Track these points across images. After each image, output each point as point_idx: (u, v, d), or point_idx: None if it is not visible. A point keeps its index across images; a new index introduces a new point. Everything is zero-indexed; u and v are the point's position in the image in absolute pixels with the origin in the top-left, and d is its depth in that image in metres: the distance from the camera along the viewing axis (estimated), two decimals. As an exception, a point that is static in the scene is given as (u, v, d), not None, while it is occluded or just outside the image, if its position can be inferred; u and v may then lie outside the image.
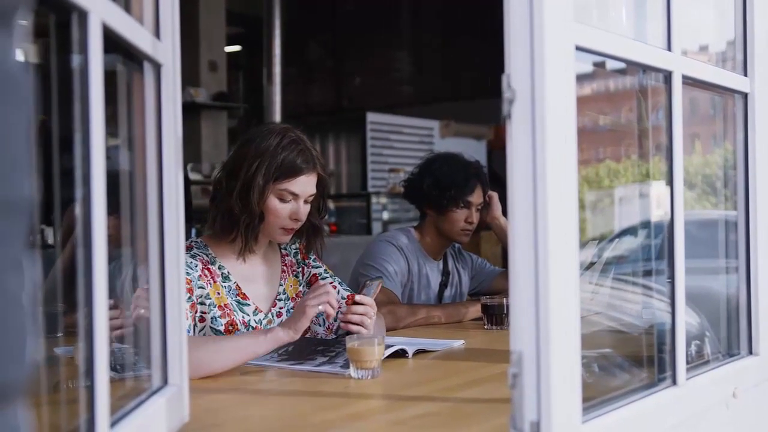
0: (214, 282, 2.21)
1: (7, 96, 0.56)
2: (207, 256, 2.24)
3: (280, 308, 2.34)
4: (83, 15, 1.00)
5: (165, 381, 1.38)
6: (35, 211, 0.59)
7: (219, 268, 2.24)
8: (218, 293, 2.20)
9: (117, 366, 1.38)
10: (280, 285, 2.37)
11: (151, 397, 1.32)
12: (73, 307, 1.09)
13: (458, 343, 2.37)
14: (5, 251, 0.55)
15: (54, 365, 1.43)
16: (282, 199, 2.21)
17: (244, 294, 2.26)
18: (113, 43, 1.12)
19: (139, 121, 1.36)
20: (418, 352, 2.20)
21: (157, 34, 1.36)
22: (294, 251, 2.44)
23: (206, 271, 2.20)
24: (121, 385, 1.39)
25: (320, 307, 1.99)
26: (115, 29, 1.11)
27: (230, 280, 2.25)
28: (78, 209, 1.04)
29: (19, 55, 0.58)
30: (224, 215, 2.22)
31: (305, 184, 2.23)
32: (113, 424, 1.10)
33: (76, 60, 1.02)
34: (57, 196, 1.07)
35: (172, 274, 1.39)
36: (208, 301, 2.17)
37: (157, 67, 1.36)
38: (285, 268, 2.40)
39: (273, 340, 1.99)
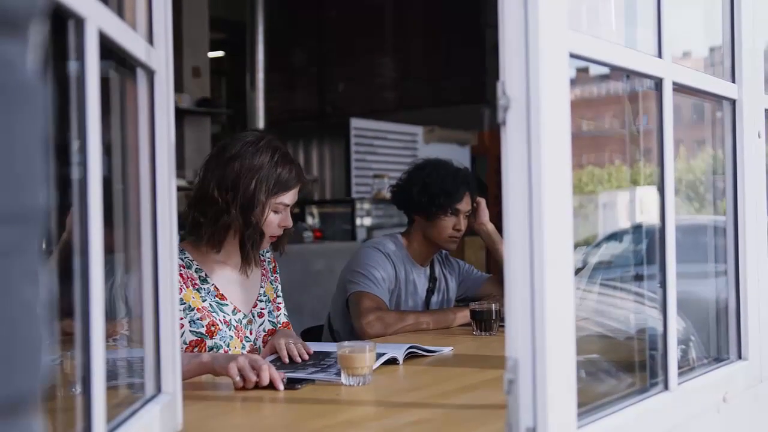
0: (187, 287, 2.25)
1: (22, 105, 0.56)
2: (183, 260, 2.28)
3: (261, 309, 2.41)
4: (80, 22, 1.00)
5: (158, 389, 1.38)
6: (45, 220, 0.59)
7: (196, 272, 2.29)
8: (193, 297, 2.24)
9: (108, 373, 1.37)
10: (261, 287, 2.44)
11: (145, 406, 1.31)
12: (63, 314, 1.09)
13: (447, 350, 2.38)
14: (20, 261, 0.55)
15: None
16: (276, 211, 2.30)
17: (223, 295, 2.31)
18: (107, 49, 1.12)
19: (132, 127, 1.36)
20: (410, 356, 2.20)
21: (150, 40, 1.35)
22: (268, 260, 2.52)
23: (179, 277, 2.21)
24: (114, 393, 1.39)
25: (237, 379, 1.85)
26: (111, 36, 1.10)
27: (208, 283, 2.29)
28: (72, 216, 1.03)
29: (33, 64, 0.58)
30: (222, 230, 2.26)
31: (295, 194, 2.34)
32: (109, 433, 1.10)
33: (72, 66, 1.02)
34: (53, 204, 1.07)
35: (165, 281, 1.39)
36: (183, 306, 2.20)
37: (150, 73, 1.35)
38: (264, 272, 2.48)
39: (198, 367, 1.97)
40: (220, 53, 10.19)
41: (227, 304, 2.31)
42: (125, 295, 1.52)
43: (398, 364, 2.14)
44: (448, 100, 9.36)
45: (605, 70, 1.59)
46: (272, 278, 2.51)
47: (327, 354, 2.21)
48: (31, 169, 0.56)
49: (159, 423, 1.32)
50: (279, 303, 2.52)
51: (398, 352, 2.17)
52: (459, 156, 7.84)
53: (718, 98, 1.86)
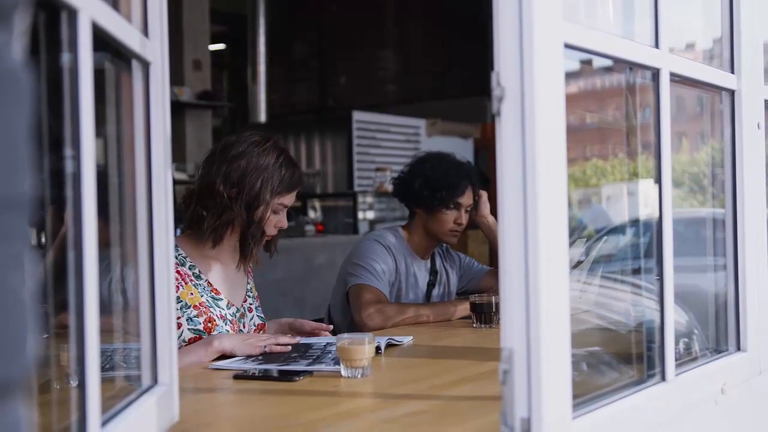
0: (186, 283, 2.28)
1: (8, 94, 0.56)
2: (176, 257, 2.29)
3: (250, 304, 2.47)
4: (73, 13, 1.00)
5: (155, 380, 1.38)
6: (31, 208, 0.60)
7: (189, 268, 2.32)
8: (191, 294, 2.28)
9: (105, 365, 1.37)
10: (248, 283, 2.49)
11: (141, 397, 1.31)
12: (60, 308, 1.09)
13: (407, 339, 2.41)
14: (7, 248, 0.55)
15: (41, 366, 1.42)
16: (275, 212, 2.35)
17: (216, 289, 2.35)
18: (101, 41, 1.12)
19: (128, 120, 1.36)
20: (388, 346, 2.25)
21: (145, 32, 1.35)
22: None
23: (176, 274, 2.23)
24: (110, 384, 1.39)
25: (266, 348, 2.14)
26: (105, 27, 1.10)
27: (202, 279, 2.33)
28: (66, 209, 1.04)
29: (19, 53, 0.58)
30: (224, 225, 2.30)
31: (294, 197, 2.40)
32: (104, 423, 1.10)
33: (65, 58, 1.02)
34: (45, 197, 1.07)
35: (161, 274, 1.39)
36: (179, 304, 2.23)
37: (145, 65, 1.35)
38: (250, 269, 2.52)
39: (214, 352, 2.12)
40: (221, 46, 10.18)
41: (221, 299, 2.35)
42: (125, 289, 1.52)
43: (380, 353, 2.16)
44: (450, 92, 9.36)
45: (609, 62, 1.59)
46: (252, 276, 2.57)
47: (309, 346, 2.22)
48: (16, 157, 0.57)
49: (155, 414, 1.32)
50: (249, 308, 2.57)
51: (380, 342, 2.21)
52: (462, 149, 7.85)
53: (717, 89, 1.85)
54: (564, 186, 1.23)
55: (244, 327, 2.39)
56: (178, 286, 2.23)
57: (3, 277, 0.55)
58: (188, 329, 2.24)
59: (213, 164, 2.31)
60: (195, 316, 2.25)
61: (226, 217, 2.28)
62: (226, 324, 2.30)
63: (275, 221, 2.36)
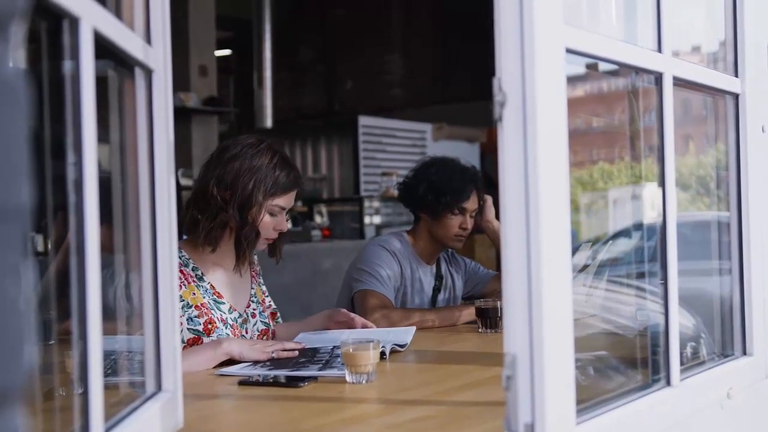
0: (189, 283, 2.29)
1: (4, 103, 0.56)
2: (180, 258, 2.30)
3: (254, 309, 2.47)
4: (74, 21, 1.00)
5: (159, 387, 1.38)
6: (30, 217, 0.60)
7: (193, 270, 2.33)
8: (193, 294, 2.29)
9: (109, 371, 1.38)
10: (252, 288, 2.49)
11: (145, 403, 1.31)
12: (65, 315, 1.09)
13: (411, 330, 2.45)
14: (3, 257, 0.55)
15: (46, 373, 1.43)
16: (271, 214, 2.34)
17: (219, 293, 2.35)
18: (104, 48, 1.12)
19: (131, 127, 1.36)
20: (393, 352, 2.25)
21: (148, 39, 1.36)
22: (255, 263, 2.58)
23: (179, 274, 2.23)
24: (114, 391, 1.39)
25: (273, 354, 2.14)
26: (106, 35, 1.11)
27: (205, 281, 2.33)
28: (69, 216, 1.04)
29: (15, 62, 0.59)
30: (219, 227, 2.30)
31: (292, 198, 2.38)
32: (107, 430, 1.10)
33: (67, 66, 1.02)
34: (49, 204, 1.07)
35: (165, 280, 1.39)
36: (181, 303, 2.24)
37: (148, 72, 1.36)
38: (254, 274, 2.52)
39: (223, 354, 2.11)
40: (227, 51, 10.19)
41: (224, 303, 2.35)
42: (129, 296, 1.53)
43: (385, 359, 2.15)
44: (456, 96, 9.34)
45: (615, 66, 1.59)
46: (260, 281, 2.56)
47: (316, 350, 2.22)
48: (13, 166, 0.57)
49: (159, 421, 1.32)
50: (269, 303, 2.57)
51: (397, 337, 2.23)
52: (468, 153, 7.84)
53: (721, 93, 1.85)
54: (566, 191, 1.23)
55: (246, 332, 2.39)
56: (180, 285, 2.24)
57: (0, 287, 0.55)
58: (188, 329, 2.24)
59: (209, 168, 2.33)
60: (196, 317, 2.26)
61: (220, 220, 2.28)
62: (226, 327, 2.31)
63: (274, 224, 2.34)
